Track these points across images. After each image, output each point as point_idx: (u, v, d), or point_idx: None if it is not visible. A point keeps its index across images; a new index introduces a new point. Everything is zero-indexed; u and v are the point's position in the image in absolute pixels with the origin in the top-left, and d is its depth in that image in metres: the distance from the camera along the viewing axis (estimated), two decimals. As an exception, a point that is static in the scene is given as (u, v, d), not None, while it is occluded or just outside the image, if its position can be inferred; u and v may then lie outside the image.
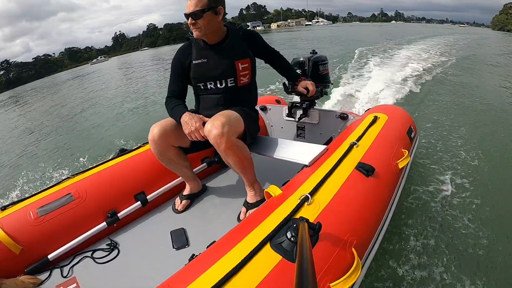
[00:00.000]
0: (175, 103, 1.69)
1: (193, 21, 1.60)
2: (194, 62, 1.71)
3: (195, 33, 1.64)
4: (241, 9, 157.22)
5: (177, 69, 1.76)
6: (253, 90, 1.87)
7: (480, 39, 20.00)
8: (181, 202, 1.94)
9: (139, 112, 7.00)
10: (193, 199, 2.00)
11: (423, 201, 2.22)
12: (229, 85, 1.73)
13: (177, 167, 1.85)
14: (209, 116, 1.68)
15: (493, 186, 2.39)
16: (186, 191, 1.99)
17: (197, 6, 1.57)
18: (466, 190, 2.33)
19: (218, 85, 1.73)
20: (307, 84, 1.91)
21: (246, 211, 1.75)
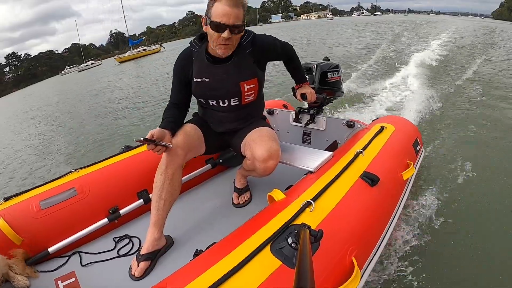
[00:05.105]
0: (165, 116, 1.55)
1: (230, 36, 1.36)
2: (195, 80, 1.54)
3: (224, 51, 1.42)
4: (263, 1, 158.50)
5: (179, 79, 1.59)
6: (259, 103, 1.77)
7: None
8: (138, 266, 1.46)
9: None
10: (155, 259, 1.51)
11: (426, 214, 2.19)
12: (232, 104, 1.59)
13: (168, 191, 1.51)
14: (215, 129, 1.70)
15: (495, 203, 2.36)
16: (146, 248, 1.50)
17: (239, 19, 1.36)
18: (468, 206, 2.31)
19: (221, 104, 1.60)
20: (307, 92, 1.86)
21: (239, 196, 1.96)
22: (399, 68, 7.67)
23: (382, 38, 15.64)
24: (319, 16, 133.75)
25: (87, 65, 43.46)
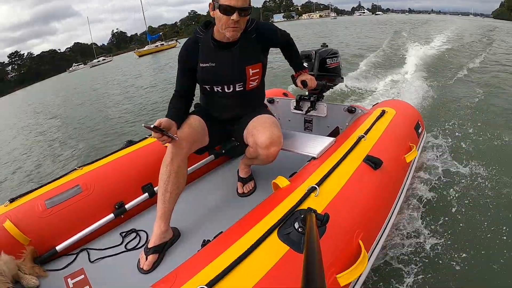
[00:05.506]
0: (172, 106, 1.56)
1: (238, 18, 1.39)
2: (201, 65, 1.55)
3: (233, 33, 1.44)
4: (265, 1, 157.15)
5: (184, 67, 1.60)
6: (262, 90, 1.79)
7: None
8: (146, 259, 1.47)
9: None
10: (162, 251, 1.52)
11: (429, 196, 2.19)
12: (237, 89, 1.61)
13: (174, 183, 1.51)
14: (218, 118, 1.71)
15: (498, 187, 2.35)
16: (153, 242, 1.51)
17: (246, 2, 1.40)
18: (472, 188, 2.31)
19: (226, 90, 1.61)
20: (306, 79, 1.86)
21: (243, 185, 1.97)
22: (403, 61, 7.94)
23: (388, 34, 16.40)
24: (320, 16, 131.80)
25: (98, 61, 45.87)
